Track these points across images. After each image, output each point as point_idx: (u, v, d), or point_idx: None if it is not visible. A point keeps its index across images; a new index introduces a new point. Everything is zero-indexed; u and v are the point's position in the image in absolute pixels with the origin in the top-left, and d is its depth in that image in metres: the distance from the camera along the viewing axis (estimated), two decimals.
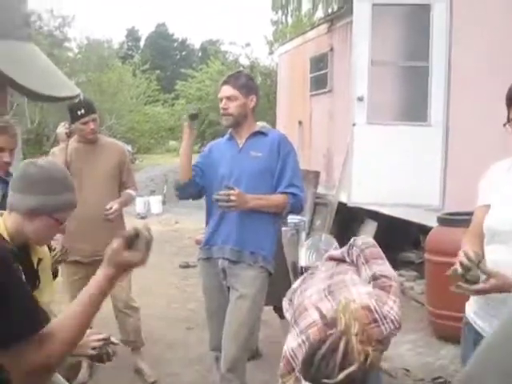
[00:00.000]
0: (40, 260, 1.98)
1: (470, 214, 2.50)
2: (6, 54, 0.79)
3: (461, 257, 2.08)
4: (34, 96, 0.81)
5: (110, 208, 4.03)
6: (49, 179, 1.81)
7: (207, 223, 3.46)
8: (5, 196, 2.20)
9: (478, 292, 2.08)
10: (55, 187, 1.79)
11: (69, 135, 4.05)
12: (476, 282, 2.06)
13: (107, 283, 1.44)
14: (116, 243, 1.46)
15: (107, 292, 1.45)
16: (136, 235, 1.49)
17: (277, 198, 3.27)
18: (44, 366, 1.32)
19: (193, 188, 3.40)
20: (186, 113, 3.37)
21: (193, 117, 3.33)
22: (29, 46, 0.86)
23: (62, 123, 4.16)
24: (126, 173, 4.30)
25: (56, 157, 4.02)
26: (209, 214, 3.44)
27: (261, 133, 3.38)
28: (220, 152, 3.43)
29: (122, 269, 1.45)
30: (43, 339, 1.32)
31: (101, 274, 1.45)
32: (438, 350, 4.70)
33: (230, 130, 3.46)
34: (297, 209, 3.35)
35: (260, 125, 3.54)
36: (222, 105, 3.33)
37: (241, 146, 3.37)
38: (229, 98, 3.29)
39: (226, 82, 3.33)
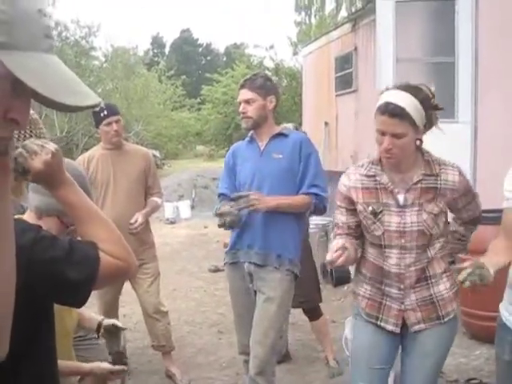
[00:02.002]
0: None
1: (499, 211, 2.45)
2: (26, 65, 0.80)
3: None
4: (57, 106, 0.81)
5: (136, 221, 4.04)
6: None
7: None
8: None
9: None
10: None
11: None
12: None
13: (64, 191, 1.47)
14: None
15: (75, 190, 1.47)
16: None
17: (299, 199, 3.25)
18: (117, 263, 1.44)
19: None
20: None
21: None
22: (50, 57, 0.87)
23: None
24: (152, 178, 4.32)
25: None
26: None
27: (282, 134, 3.36)
28: (242, 156, 3.43)
29: None
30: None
31: None
32: (472, 351, 4.61)
33: (250, 133, 3.44)
34: (320, 209, 3.31)
35: (283, 126, 3.52)
36: (240, 109, 3.33)
37: (262, 148, 3.36)
38: (247, 101, 3.29)
39: (242, 86, 3.33)
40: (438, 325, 2.56)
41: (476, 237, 2.82)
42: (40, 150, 1.40)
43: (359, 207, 2.55)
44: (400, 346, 2.70)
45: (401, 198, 2.49)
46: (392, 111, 2.34)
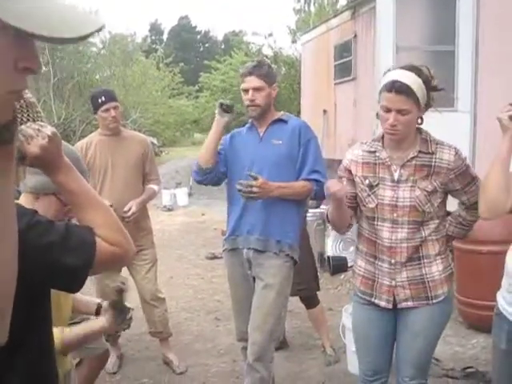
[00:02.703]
0: None
1: None
2: (14, 9, 0.76)
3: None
4: (58, 41, 0.78)
5: (129, 209, 4.04)
6: None
7: (229, 213, 3.43)
8: None
9: None
10: None
11: None
12: None
13: (62, 175, 1.45)
14: None
15: (75, 175, 1.45)
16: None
17: (300, 185, 3.24)
18: (113, 249, 1.43)
19: (214, 174, 3.37)
20: (219, 104, 3.31)
21: (225, 108, 3.28)
22: None
23: None
24: (149, 164, 4.30)
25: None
26: (230, 204, 3.42)
27: (281, 120, 3.35)
28: (241, 141, 3.40)
29: None
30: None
31: None
32: (469, 340, 4.63)
33: (250, 120, 3.42)
34: (321, 195, 3.31)
35: (282, 113, 3.49)
36: (248, 96, 3.27)
37: (261, 134, 3.34)
38: (256, 89, 3.25)
39: (250, 73, 3.27)
40: (426, 305, 2.65)
41: (475, 226, 2.82)
42: (36, 133, 1.38)
43: (357, 180, 2.69)
44: None
45: (396, 173, 2.61)
46: (399, 88, 2.46)
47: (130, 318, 2.95)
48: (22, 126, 1.40)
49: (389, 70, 2.60)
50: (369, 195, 2.64)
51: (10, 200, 1.03)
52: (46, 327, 1.46)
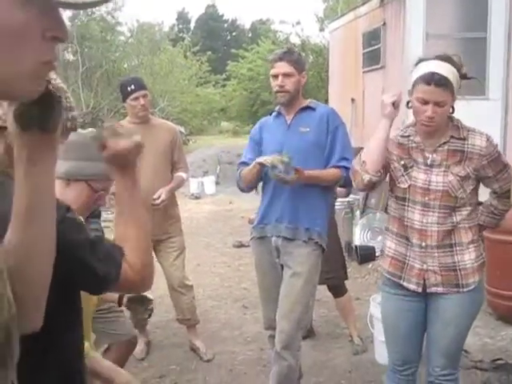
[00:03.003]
0: None
1: None
2: None
3: None
4: (83, 6, 0.79)
5: (159, 197, 4.06)
6: (84, 145, 1.79)
7: (261, 201, 3.44)
8: None
9: None
10: (90, 154, 1.75)
11: None
12: None
13: (123, 180, 1.43)
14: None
15: (132, 185, 1.43)
16: None
17: (330, 172, 3.23)
18: (135, 278, 1.40)
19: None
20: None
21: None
22: None
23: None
24: (178, 152, 4.31)
25: None
26: (262, 192, 3.43)
27: (309, 107, 3.32)
28: (269, 130, 3.39)
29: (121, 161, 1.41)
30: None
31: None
32: (498, 331, 4.58)
33: (278, 107, 3.41)
34: (349, 183, 3.29)
35: (310, 100, 3.46)
36: (278, 82, 3.24)
37: (289, 122, 3.32)
38: (286, 75, 3.23)
39: (280, 59, 3.25)
40: (456, 293, 2.64)
41: (506, 216, 2.79)
42: (123, 133, 1.41)
43: (392, 157, 2.69)
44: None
45: (429, 157, 2.62)
46: (438, 81, 2.47)
47: (151, 309, 2.99)
48: (112, 124, 1.43)
49: (421, 60, 2.59)
50: (402, 175, 2.65)
51: (51, 190, 1.05)
52: (78, 327, 1.45)
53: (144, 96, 4.13)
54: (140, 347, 4.27)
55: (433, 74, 2.48)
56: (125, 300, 2.97)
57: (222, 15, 59.10)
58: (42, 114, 0.95)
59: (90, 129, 1.66)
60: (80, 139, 1.78)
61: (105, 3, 0.82)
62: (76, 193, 1.82)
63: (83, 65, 17.62)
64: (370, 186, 2.71)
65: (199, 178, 13.86)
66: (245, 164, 3.40)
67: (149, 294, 3.00)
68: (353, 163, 2.75)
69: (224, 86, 29.16)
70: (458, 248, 2.63)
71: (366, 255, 6.49)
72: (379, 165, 2.62)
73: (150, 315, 3.28)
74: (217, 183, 14.11)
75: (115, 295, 2.90)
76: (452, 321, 2.66)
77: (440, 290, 2.65)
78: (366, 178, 2.63)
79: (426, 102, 2.50)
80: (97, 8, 19.79)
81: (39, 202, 1.02)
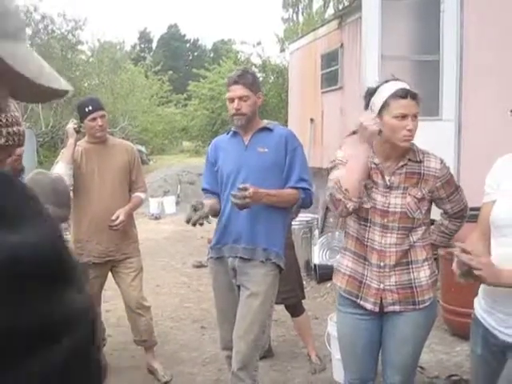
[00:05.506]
0: None
1: None
2: (16, 54, 0.79)
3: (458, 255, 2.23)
4: (46, 93, 0.81)
5: (117, 218, 4.04)
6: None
7: (217, 221, 3.44)
8: None
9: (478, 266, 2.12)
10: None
11: (78, 131, 4.06)
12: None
13: None
14: None
15: None
16: None
17: (288, 193, 3.25)
18: None
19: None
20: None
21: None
22: (27, 46, 0.87)
23: (71, 120, 4.19)
24: (136, 172, 4.30)
25: (63, 155, 4.04)
26: (220, 213, 3.42)
27: (267, 128, 3.36)
28: (225, 150, 3.41)
29: None
30: None
31: None
32: (453, 348, 4.65)
33: (233, 127, 3.43)
34: (307, 204, 3.32)
35: (267, 121, 3.50)
36: (234, 105, 3.26)
37: (247, 142, 3.34)
38: (241, 98, 3.25)
39: (235, 82, 3.27)
40: (413, 310, 2.68)
41: (459, 234, 2.86)
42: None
43: None
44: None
45: (388, 179, 2.65)
46: (413, 95, 2.55)
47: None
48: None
49: (383, 83, 2.63)
50: (365, 195, 2.67)
51: None
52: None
53: (102, 116, 4.12)
54: None
55: (404, 89, 2.54)
56: None
57: (184, 35, 59.27)
58: None
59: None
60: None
61: (62, 97, 0.84)
62: None
63: None
64: (353, 212, 2.72)
65: (159, 197, 13.76)
66: (207, 191, 3.45)
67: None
68: (332, 192, 2.63)
69: (185, 105, 29.12)
70: (414, 266, 2.68)
71: (325, 274, 6.52)
72: (361, 190, 2.61)
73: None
74: (177, 203, 14.02)
75: None
76: (409, 338, 2.70)
77: (397, 308, 2.69)
78: (351, 206, 2.58)
79: (404, 116, 2.53)
80: (57, 26, 19.66)
81: None
